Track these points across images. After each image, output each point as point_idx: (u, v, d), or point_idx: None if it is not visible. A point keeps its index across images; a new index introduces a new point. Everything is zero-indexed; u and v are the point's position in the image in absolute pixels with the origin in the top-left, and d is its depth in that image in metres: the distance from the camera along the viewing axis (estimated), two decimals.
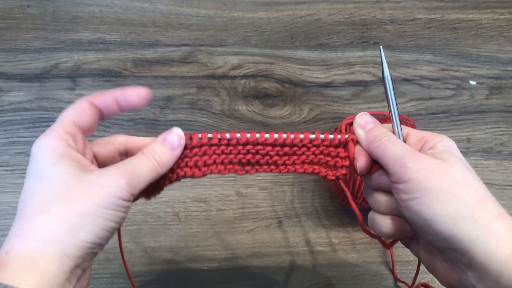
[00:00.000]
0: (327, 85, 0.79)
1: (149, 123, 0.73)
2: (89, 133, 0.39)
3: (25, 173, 0.66)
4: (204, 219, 0.66)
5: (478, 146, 0.75)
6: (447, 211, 0.35)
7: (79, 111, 0.38)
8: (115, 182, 0.35)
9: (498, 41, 0.86)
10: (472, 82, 0.81)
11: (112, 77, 0.77)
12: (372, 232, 0.48)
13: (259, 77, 0.79)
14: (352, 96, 0.78)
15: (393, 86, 0.43)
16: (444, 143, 0.40)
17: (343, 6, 0.88)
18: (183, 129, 0.71)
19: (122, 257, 0.47)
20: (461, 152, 0.72)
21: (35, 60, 0.77)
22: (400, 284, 0.64)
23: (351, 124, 0.63)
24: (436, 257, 0.40)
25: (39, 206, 0.34)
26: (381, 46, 0.44)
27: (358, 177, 0.60)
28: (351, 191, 0.62)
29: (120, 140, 0.42)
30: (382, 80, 0.44)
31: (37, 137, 0.69)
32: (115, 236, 0.64)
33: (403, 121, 0.50)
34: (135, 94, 0.39)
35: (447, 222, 0.35)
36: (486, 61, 0.83)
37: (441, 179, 0.36)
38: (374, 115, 0.66)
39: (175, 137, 0.40)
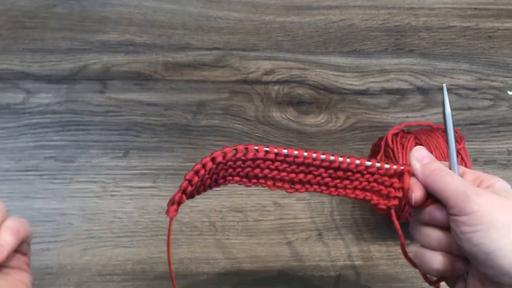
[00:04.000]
0: (363, 93, 0.77)
1: (182, 129, 0.70)
2: None
3: (55, 178, 0.64)
4: (241, 230, 0.64)
5: None
6: (511, 245, 0.35)
7: None
8: None
9: None
10: (510, 93, 0.79)
11: (143, 80, 0.74)
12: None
13: (293, 83, 0.77)
14: (389, 105, 0.76)
15: (452, 124, 0.43)
16: (500, 184, 0.40)
17: (376, 11, 0.86)
18: (217, 135, 0.70)
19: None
20: (502, 165, 0.72)
21: (62, 61, 0.75)
22: None
23: (396, 134, 0.61)
24: None
25: None
26: (444, 85, 0.44)
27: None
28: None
29: None
30: (443, 116, 0.44)
31: (67, 141, 0.68)
32: (142, 249, 0.61)
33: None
34: None
35: (511, 256, 0.35)
36: None
37: (505, 214, 0.36)
38: (411, 126, 0.64)
39: None
